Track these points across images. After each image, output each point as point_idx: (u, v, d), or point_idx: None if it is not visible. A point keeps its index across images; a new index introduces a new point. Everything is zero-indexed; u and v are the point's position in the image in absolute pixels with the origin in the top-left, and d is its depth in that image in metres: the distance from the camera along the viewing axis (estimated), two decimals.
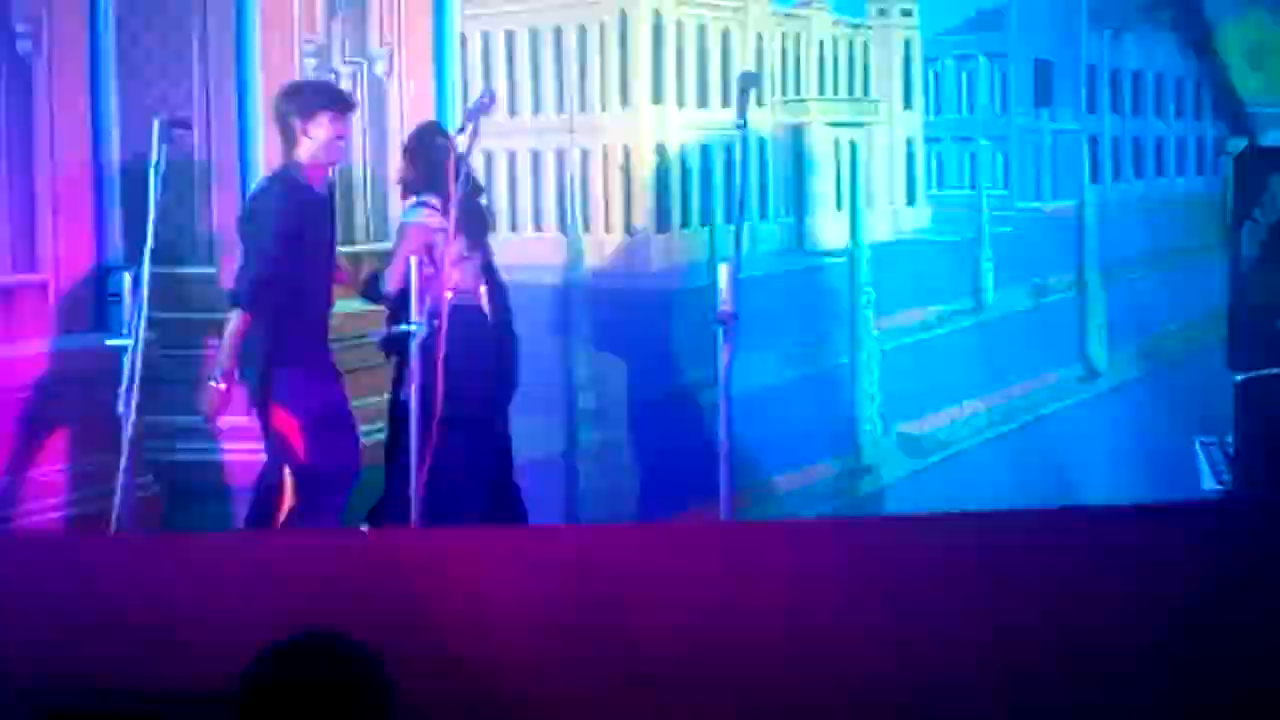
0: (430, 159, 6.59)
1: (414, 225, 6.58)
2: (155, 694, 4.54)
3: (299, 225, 6.43)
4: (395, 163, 7.98)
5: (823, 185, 8.85)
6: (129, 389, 6.11)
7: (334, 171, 6.83)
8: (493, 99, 6.62)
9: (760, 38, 8.89)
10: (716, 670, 4.63)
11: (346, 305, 7.92)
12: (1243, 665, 4.48)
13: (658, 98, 8.65)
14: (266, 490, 6.56)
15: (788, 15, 8.95)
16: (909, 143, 8.97)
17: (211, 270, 7.83)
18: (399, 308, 6.31)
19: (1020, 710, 4.57)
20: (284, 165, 6.55)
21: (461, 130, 6.30)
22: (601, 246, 8.57)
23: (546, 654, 4.66)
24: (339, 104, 6.61)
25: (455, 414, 6.23)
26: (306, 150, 6.49)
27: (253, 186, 6.90)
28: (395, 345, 6.42)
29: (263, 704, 2.84)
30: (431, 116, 8.12)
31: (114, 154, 7.55)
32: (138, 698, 4.56)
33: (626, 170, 8.73)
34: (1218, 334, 7.17)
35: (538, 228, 8.69)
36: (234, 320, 6.41)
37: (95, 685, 4.64)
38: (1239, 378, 6.80)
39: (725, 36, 8.86)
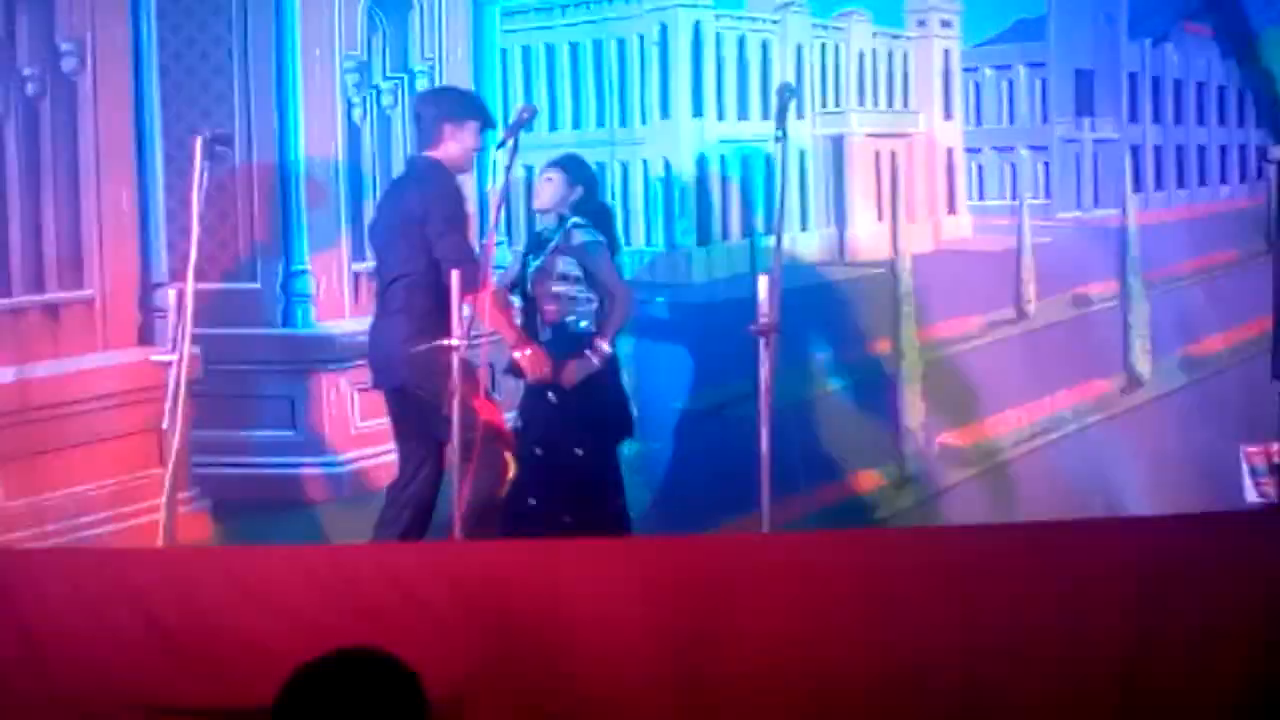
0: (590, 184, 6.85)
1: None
2: (198, 709, 4.57)
3: None
4: None
5: (863, 196, 8.84)
6: (173, 404, 6.14)
7: None
8: (533, 113, 6.67)
9: (799, 49, 8.89)
10: (756, 680, 4.64)
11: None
12: None
13: (698, 110, 8.65)
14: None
15: (827, 27, 8.95)
16: (949, 153, 8.95)
17: (255, 285, 7.87)
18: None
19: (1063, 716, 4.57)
20: (430, 157, 6.54)
21: (502, 145, 6.32)
22: (643, 259, 8.58)
23: (588, 667, 4.67)
24: (487, 118, 6.69)
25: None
26: (448, 153, 6.52)
27: (413, 174, 6.68)
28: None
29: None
30: None
31: (158, 170, 7.60)
32: (182, 712, 4.59)
33: (667, 183, 8.74)
34: (1262, 343, 7.13)
35: None
36: (484, 303, 6.33)
37: (141, 699, 4.67)
38: None
39: (764, 48, 8.87)
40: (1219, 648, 4.59)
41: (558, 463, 6.69)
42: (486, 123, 6.63)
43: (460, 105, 6.69)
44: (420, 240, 6.36)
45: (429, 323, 6.19)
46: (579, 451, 6.70)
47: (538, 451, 6.69)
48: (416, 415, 6.44)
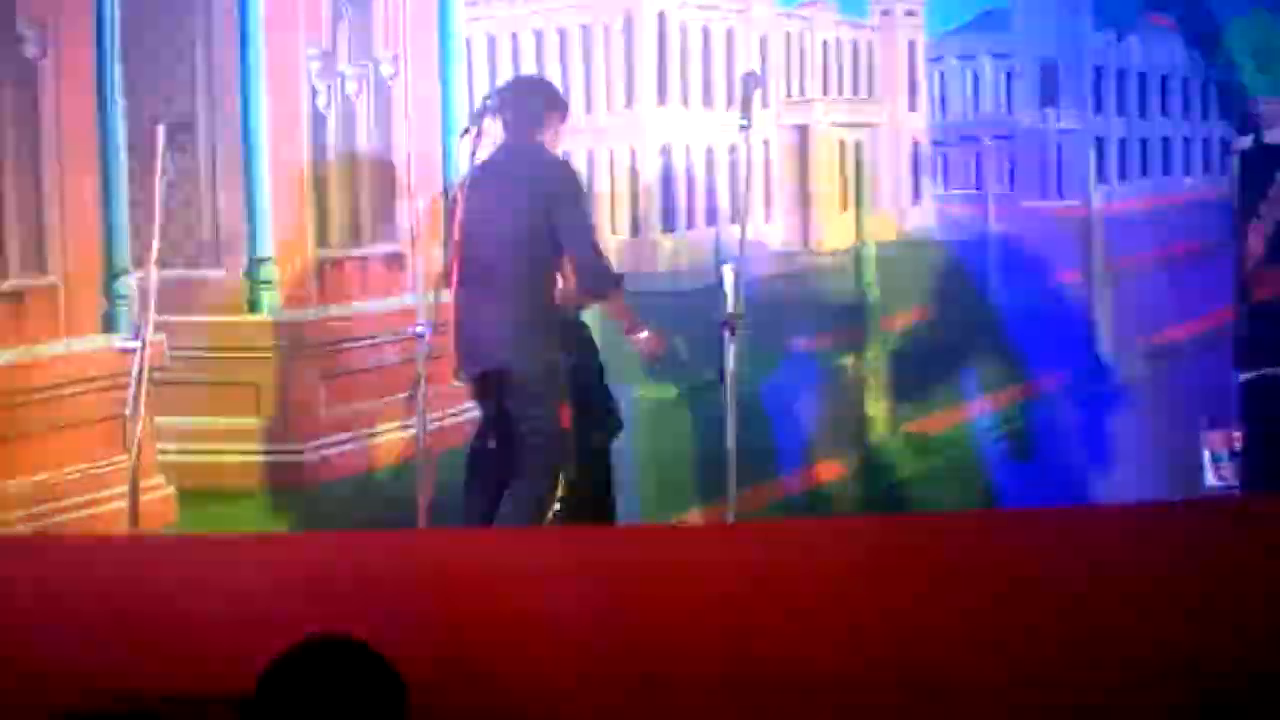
0: None
1: None
2: (166, 696, 4.56)
3: None
4: (400, 165, 8.05)
5: (827, 185, 8.86)
6: (136, 391, 6.12)
7: None
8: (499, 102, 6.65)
9: (764, 38, 8.90)
10: (723, 670, 4.64)
11: (355, 307, 7.97)
12: (1251, 663, 4.49)
13: (662, 99, 8.65)
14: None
15: (791, 16, 8.96)
16: (914, 143, 8.98)
17: (220, 272, 7.85)
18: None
19: (1029, 710, 4.58)
20: (541, 144, 6.53)
21: (465, 133, 6.31)
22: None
23: (556, 655, 4.67)
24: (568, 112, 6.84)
25: None
26: (550, 141, 6.54)
27: (547, 160, 6.62)
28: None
29: (276, 708, 2.85)
30: (437, 119, 8.16)
31: (121, 156, 7.56)
32: (149, 699, 4.58)
33: (632, 171, 8.74)
34: (1224, 332, 7.18)
35: None
36: (616, 298, 6.49)
37: (106, 687, 4.66)
38: (1244, 376, 6.80)
39: (729, 37, 8.87)
40: (1180, 634, 4.61)
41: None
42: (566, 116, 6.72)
43: (559, 97, 6.82)
44: (536, 225, 6.35)
45: (538, 305, 6.23)
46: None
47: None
48: (513, 399, 6.42)
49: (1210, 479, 7.08)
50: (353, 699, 2.86)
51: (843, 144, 8.93)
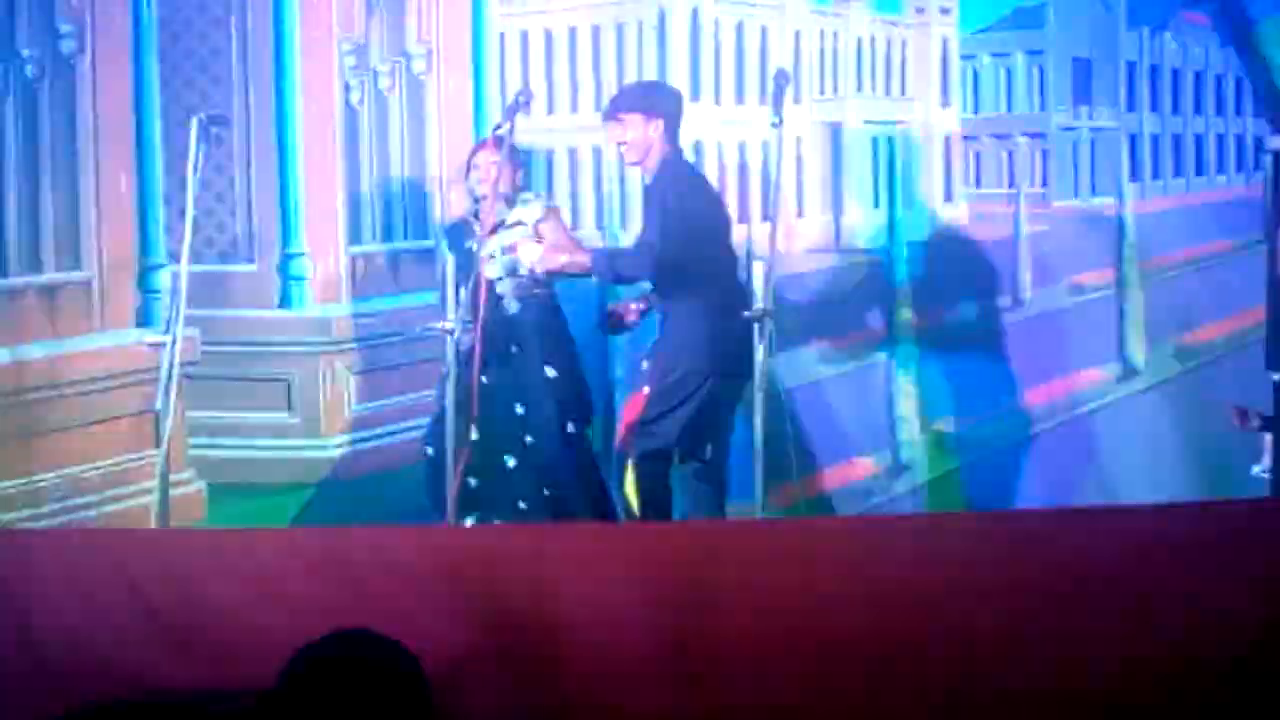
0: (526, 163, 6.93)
1: None
2: (192, 690, 4.58)
3: None
4: (433, 161, 8.08)
5: (859, 183, 8.84)
6: (167, 385, 6.15)
7: None
8: (530, 97, 6.65)
9: (798, 35, 8.88)
10: (752, 664, 4.64)
11: (388, 302, 8.00)
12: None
13: (695, 95, 8.65)
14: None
15: (825, 13, 8.95)
16: (946, 140, 8.95)
17: (252, 267, 7.88)
18: None
19: (1055, 707, 4.57)
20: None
21: (499, 128, 6.31)
22: None
23: (582, 651, 4.67)
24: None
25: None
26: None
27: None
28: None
29: (300, 702, 2.86)
30: (470, 116, 8.17)
31: (156, 152, 7.60)
32: (178, 693, 4.60)
33: None
34: (1256, 332, 7.14)
35: (575, 226, 8.71)
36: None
37: (134, 681, 4.68)
38: (1277, 377, 6.76)
39: (763, 34, 8.86)
40: (1214, 636, 4.60)
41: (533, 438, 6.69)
42: None
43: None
44: None
45: (726, 304, 6.28)
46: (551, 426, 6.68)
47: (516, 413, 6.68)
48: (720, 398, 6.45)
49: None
50: (376, 692, 2.87)
51: (875, 141, 8.91)
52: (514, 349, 6.65)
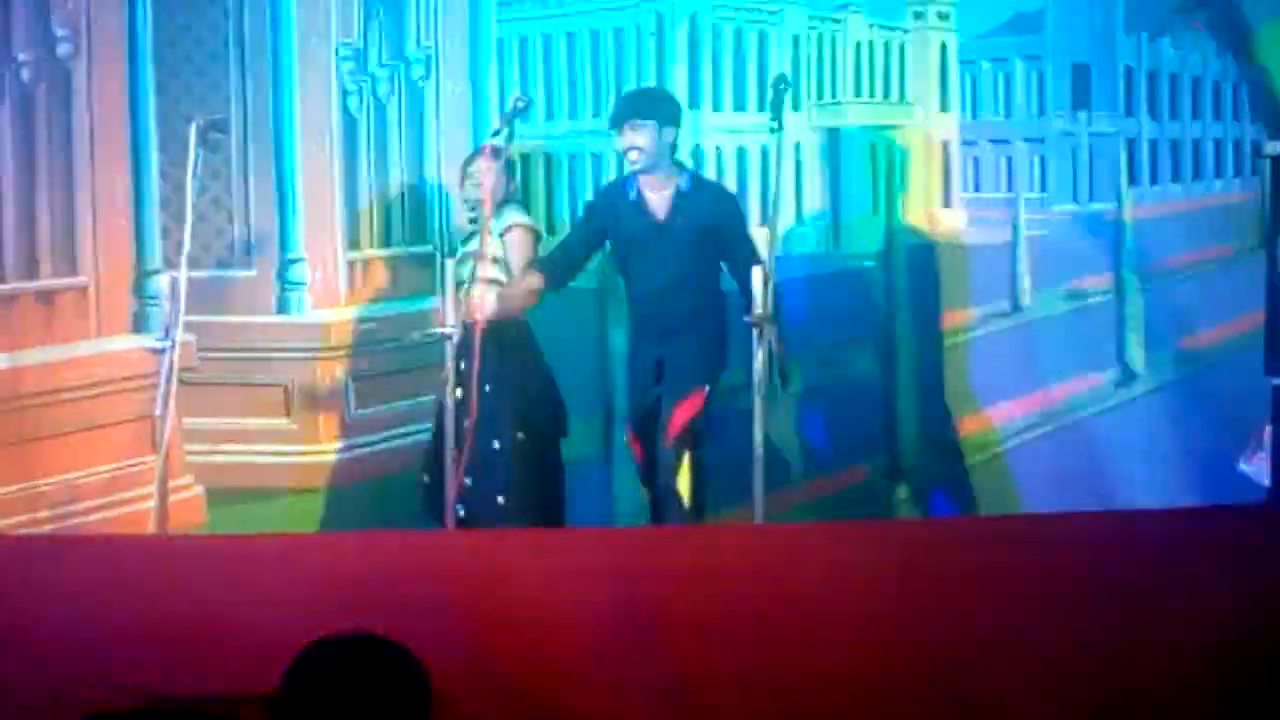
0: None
1: None
2: (193, 695, 4.57)
3: None
4: (431, 167, 8.08)
5: (858, 188, 8.84)
6: (165, 391, 6.14)
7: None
8: (528, 104, 6.65)
9: (796, 41, 8.88)
10: (749, 670, 4.64)
11: (387, 307, 7.99)
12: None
13: (694, 101, 8.65)
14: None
15: (824, 19, 8.95)
16: (945, 145, 8.95)
17: (250, 273, 7.87)
18: None
19: (1054, 711, 4.57)
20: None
21: (496, 134, 6.32)
22: None
23: (583, 655, 4.67)
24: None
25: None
26: None
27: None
28: None
29: (302, 706, 2.85)
30: (468, 121, 8.17)
31: (153, 157, 7.60)
32: (178, 699, 4.59)
33: None
34: (1255, 337, 7.14)
35: None
36: None
37: (134, 686, 4.67)
38: (1276, 382, 6.77)
39: (761, 39, 8.86)
40: (1213, 639, 4.60)
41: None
42: None
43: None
44: None
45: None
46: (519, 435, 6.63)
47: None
48: None
49: (1244, 465, 7.04)
50: (377, 693, 2.86)
51: (874, 146, 8.91)
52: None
